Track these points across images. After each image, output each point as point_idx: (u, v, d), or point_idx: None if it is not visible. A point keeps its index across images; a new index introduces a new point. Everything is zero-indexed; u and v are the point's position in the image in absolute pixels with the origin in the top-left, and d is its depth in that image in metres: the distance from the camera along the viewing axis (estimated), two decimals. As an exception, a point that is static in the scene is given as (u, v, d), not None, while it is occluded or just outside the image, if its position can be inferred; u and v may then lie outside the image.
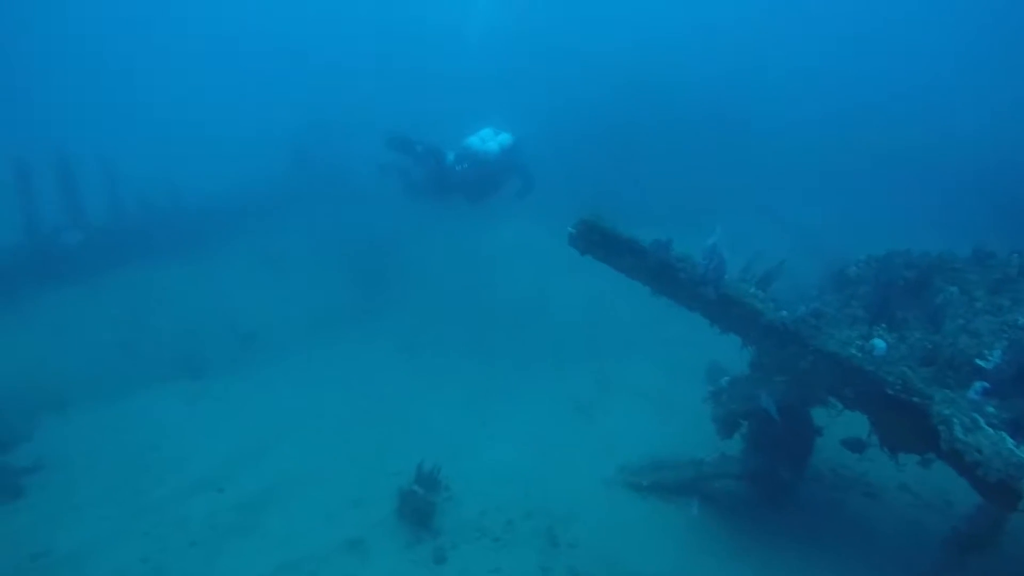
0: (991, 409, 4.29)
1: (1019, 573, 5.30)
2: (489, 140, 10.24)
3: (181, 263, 12.01)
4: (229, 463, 7.48)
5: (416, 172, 11.04)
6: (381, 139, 10.55)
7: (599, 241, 4.83)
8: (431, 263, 13.91)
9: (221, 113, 22.10)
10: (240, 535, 6.24)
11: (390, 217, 15.53)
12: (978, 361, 5.04)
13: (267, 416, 8.63)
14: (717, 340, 6.16)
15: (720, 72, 17.98)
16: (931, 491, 6.99)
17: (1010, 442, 3.85)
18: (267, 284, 12.55)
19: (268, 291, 12.34)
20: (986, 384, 4.72)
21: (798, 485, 6.66)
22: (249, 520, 6.48)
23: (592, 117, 16.57)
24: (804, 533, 6.31)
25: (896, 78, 21.17)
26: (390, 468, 7.35)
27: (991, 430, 3.89)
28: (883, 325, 4.98)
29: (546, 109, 15.58)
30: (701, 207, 14.78)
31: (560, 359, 10.39)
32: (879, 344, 4.61)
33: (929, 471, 4.97)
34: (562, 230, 5.32)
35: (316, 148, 16.84)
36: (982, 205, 13.48)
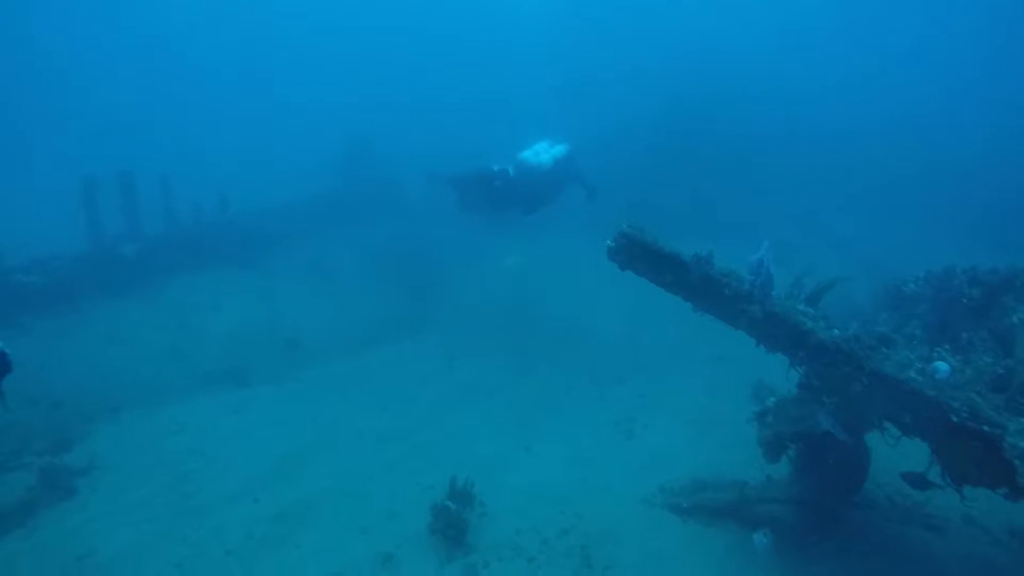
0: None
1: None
2: (543, 153, 10.26)
3: (231, 273, 12.31)
4: (269, 472, 7.50)
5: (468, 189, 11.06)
6: (423, 175, 10.94)
7: (640, 255, 4.62)
8: (475, 277, 13.91)
9: (274, 131, 22.84)
10: (275, 547, 6.21)
11: (436, 231, 15.70)
12: (1054, 387, 4.62)
13: (308, 426, 8.67)
14: (763, 359, 5.83)
15: (764, 86, 17.49)
16: (999, 525, 6.46)
17: (1094, 480, 3.45)
18: (313, 294, 12.75)
19: (313, 301, 12.53)
20: (1064, 412, 4.31)
21: (850, 513, 6.24)
22: (284, 531, 6.45)
23: (638, 130, 16.40)
24: (858, 566, 5.87)
25: (940, 89, 20.18)
26: (426, 481, 7.25)
27: (1074, 467, 3.50)
28: (946, 347, 4.60)
29: (595, 121, 15.46)
30: (745, 220, 14.40)
31: (601, 376, 10.14)
32: (942, 367, 4.25)
33: (996, 503, 4.56)
34: (605, 244, 5.12)
35: (365, 164, 17.11)
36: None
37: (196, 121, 25.25)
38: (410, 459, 8.00)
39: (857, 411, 5.13)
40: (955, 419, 4.05)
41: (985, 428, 3.98)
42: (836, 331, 4.38)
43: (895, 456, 6.12)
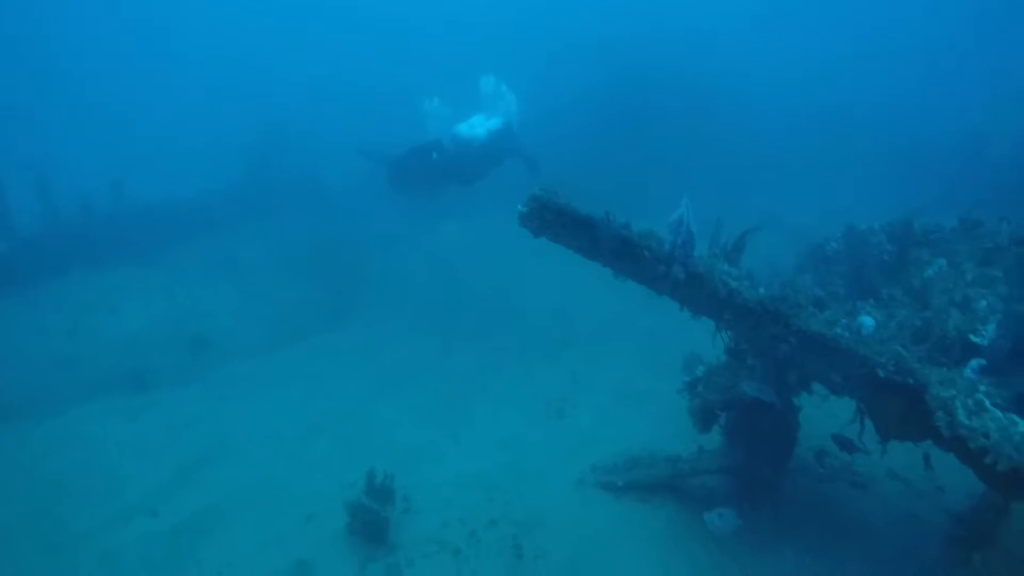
0: (984, 388, 3.77)
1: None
2: (477, 126, 10.11)
3: (128, 269, 11.18)
4: (169, 482, 6.76)
5: (399, 168, 10.98)
6: (354, 150, 10.81)
7: (553, 220, 4.22)
8: (398, 263, 13.29)
9: (176, 116, 21.12)
10: (173, 567, 5.52)
11: (357, 219, 14.94)
12: (972, 337, 4.53)
13: (216, 428, 7.92)
14: (696, 331, 5.58)
15: (704, 66, 17.39)
16: (921, 477, 6.50)
17: (1022, 425, 3.31)
18: (223, 289, 11.82)
19: (225, 298, 11.61)
20: (983, 361, 4.21)
21: (781, 480, 6.12)
22: (186, 547, 5.77)
23: (587, 106, 16.11)
24: (792, 531, 5.75)
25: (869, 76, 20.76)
26: (348, 479, 6.70)
27: (999, 412, 3.34)
28: (870, 301, 4.44)
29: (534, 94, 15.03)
30: (672, 192, 14.34)
31: (531, 354, 9.80)
32: (867, 322, 4.07)
33: (916, 457, 4.48)
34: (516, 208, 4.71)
35: (276, 149, 16.06)
36: (943, 178, 13.16)
37: (94, 101, 23.02)
38: (331, 456, 7.43)
39: (785, 373, 4.95)
40: (882, 374, 3.86)
41: (910, 381, 3.81)
42: (762, 290, 4.13)
43: (822, 416, 6.06)
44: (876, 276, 5.11)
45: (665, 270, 4.18)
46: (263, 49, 26.42)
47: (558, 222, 4.28)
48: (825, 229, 12.37)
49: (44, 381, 8.64)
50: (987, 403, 3.39)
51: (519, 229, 4.77)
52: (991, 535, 4.37)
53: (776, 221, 13.83)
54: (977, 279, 5.03)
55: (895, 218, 5.50)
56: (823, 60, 21.11)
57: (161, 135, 19.65)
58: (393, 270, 12.82)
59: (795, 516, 5.90)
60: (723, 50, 17.88)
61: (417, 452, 7.44)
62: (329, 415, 8.37)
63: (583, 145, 15.05)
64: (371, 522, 5.60)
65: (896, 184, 13.50)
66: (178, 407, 8.34)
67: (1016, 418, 3.34)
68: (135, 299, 10.52)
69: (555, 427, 7.89)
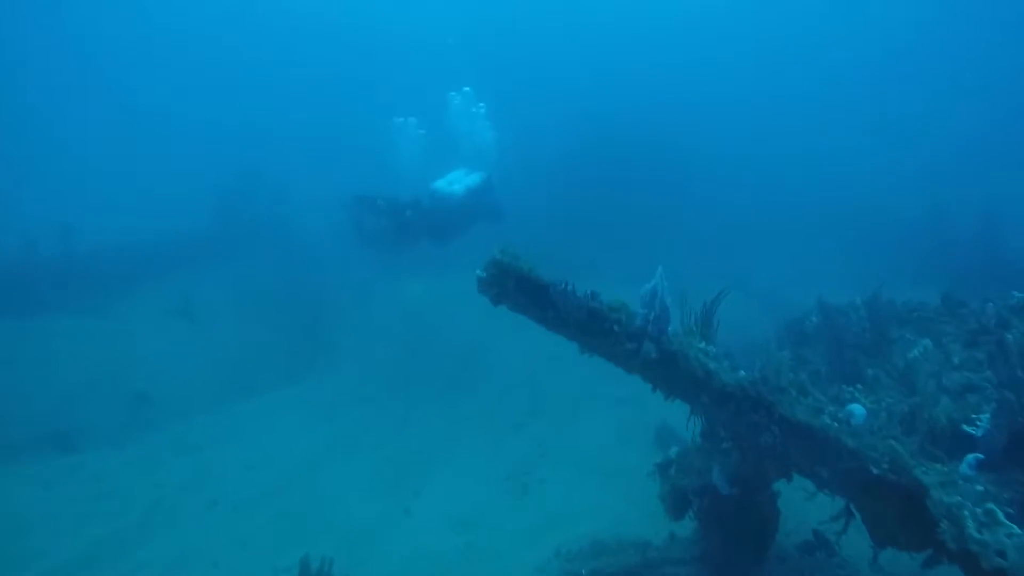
0: (980, 488, 3.35)
1: None
2: (456, 182, 9.78)
3: (68, 319, 10.39)
4: (78, 561, 5.92)
5: (371, 222, 10.55)
6: (342, 202, 10.29)
7: (514, 288, 3.79)
8: (363, 318, 12.69)
9: (143, 155, 20.52)
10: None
11: (325, 269, 14.40)
12: (966, 427, 4.15)
13: (144, 496, 7.12)
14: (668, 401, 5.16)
15: (679, 136, 17.52)
16: (908, 569, 6.01)
17: (1039, 542, 2.86)
18: (175, 341, 11.06)
19: (175, 349, 10.86)
20: (980, 456, 3.80)
21: (759, 570, 5.56)
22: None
23: (553, 171, 16.00)
24: (770, 632, 5.17)
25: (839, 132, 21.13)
26: (284, 560, 5.96)
27: (1015, 526, 2.90)
28: (857, 386, 4.04)
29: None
30: (645, 255, 14.15)
31: (497, 422, 9.19)
32: (857, 410, 3.65)
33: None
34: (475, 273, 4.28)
35: (247, 197, 15.58)
36: (917, 254, 13.16)
37: (56, 138, 22.14)
38: (269, 531, 6.68)
39: (765, 462, 4.47)
40: (875, 471, 3.42)
41: (905, 481, 3.36)
42: (742, 372, 3.70)
43: (804, 503, 5.58)
44: (857, 355, 4.74)
45: (635, 348, 3.74)
46: (237, 89, 26.18)
47: (519, 290, 3.84)
48: (795, 295, 12.36)
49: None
50: (999, 514, 2.95)
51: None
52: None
53: (746, 285, 13.68)
54: (964, 362, 4.71)
55: (872, 292, 5.18)
56: (795, 129, 21.49)
57: (125, 175, 19.01)
58: (358, 324, 12.22)
59: (775, 615, 5.32)
60: (702, 120, 18.09)
61: (364, 529, 6.75)
62: (272, 483, 7.64)
63: (557, 207, 14.89)
64: (301, 620, 4.87)
65: (866, 252, 13.52)
66: (105, 472, 7.52)
67: (1034, 533, 2.90)
68: (73, 351, 9.70)
69: (517, 503, 7.26)
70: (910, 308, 5.05)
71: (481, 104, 10.27)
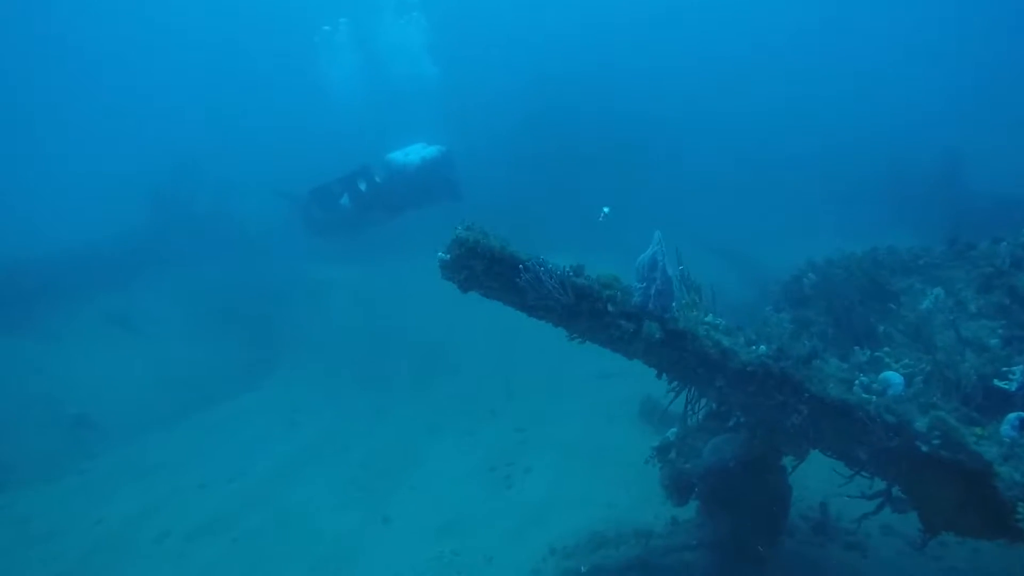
0: None
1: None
2: (412, 153, 9.42)
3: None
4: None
5: (315, 208, 10.45)
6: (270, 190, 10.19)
7: (484, 271, 3.09)
8: (321, 311, 11.81)
9: (68, 151, 18.64)
10: None
11: (275, 261, 13.38)
12: (998, 383, 3.67)
13: (85, 536, 6.23)
14: (650, 370, 4.60)
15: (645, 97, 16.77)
16: (917, 530, 5.66)
17: None
18: (115, 356, 10.00)
19: (115, 364, 9.81)
20: (1022, 414, 3.32)
21: (771, 550, 5.09)
22: None
23: (509, 142, 15.14)
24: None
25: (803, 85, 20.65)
26: (252, 592, 5.22)
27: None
28: (885, 349, 3.49)
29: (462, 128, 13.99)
30: (613, 227, 13.55)
31: (472, 409, 8.53)
32: (894, 379, 3.10)
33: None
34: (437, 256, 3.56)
35: (186, 191, 14.29)
36: (886, 204, 12.89)
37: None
38: (229, 560, 5.90)
39: (779, 440, 3.93)
40: (925, 448, 2.87)
41: (962, 458, 2.83)
42: (763, 347, 3.10)
43: (808, 470, 5.12)
44: (861, 311, 4.22)
45: (635, 328, 3.09)
46: (173, 80, 24.11)
47: (490, 273, 3.14)
48: (766, 254, 11.99)
49: None
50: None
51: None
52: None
53: (714, 245, 13.25)
54: (982, 309, 4.23)
55: (876, 245, 4.66)
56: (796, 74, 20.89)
57: (49, 173, 17.31)
58: (316, 320, 11.34)
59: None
60: (663, 83, 17.38)
61: (339, 545, 6.04)
62: (232, 502, 6.83)
63: (513, 179, 14.12)
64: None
65: (837, 208, 13.19)
66: (37, 512, 6.59)
67: None
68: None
69: (503, 499, 6.64)
70: (914, 255, 4.55)
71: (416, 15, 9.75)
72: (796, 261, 5.80)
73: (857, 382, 3.13)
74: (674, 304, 3.13)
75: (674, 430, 4.89)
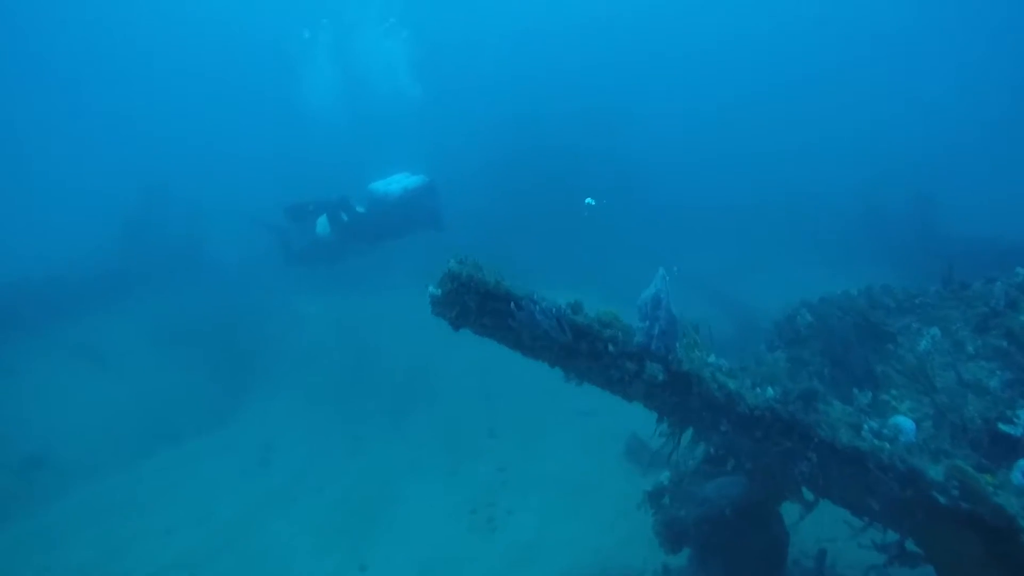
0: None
1: None
2: (394, 183, 9.31)
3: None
4: None
5: (295, 238, 10.39)
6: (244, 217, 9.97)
7: (478, 308, 2.89)
8: (296, 342, 11.41)
9: (32, 173, 18.01)
10: None
11: (249, 289, 12.99)
12: (1002, 427, 3.56)
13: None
14: (636, 408, 4.42)
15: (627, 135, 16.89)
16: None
17: None
18: (76, 389, 9.48)
19: (76, 398, 9.29)
20: (1031, 460, 3.19)
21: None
22: None
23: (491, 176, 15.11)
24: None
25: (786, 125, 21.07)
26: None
27: None
28: (892, 392, 3.36)
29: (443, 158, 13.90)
30: (594, 262, 13.53)
31: (452, 445, 8.21)
32: (905, 425, 2.94)
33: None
34: (427, 291, 3.36)
35: (156, 216, 13.89)
36: (860, 243, 13.07)
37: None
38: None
39: (780, 486, 3.74)
40: (943, 500, 2.71)
41: (984, 511, 2.66)
42: (770, 391, 2.93)
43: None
44: (859, 351, 4.10)
45: (637, 370, 2.91)
46: (143, 98, 23.63)
47: (484, 310, 2.94)
48: (745, 291, 12.00)
49: None
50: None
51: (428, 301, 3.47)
52: None
53: (693, 281, 13.24)
54: (979, 350, 4.15)
55: (871, 284, 4.59)
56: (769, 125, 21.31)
57: (9, 195, 16.70)
58: (290, 352, 10.94)
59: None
60: (640, 123, 17.59)
61: (312, 598, 5.63)
62: (198, 549, 6.39)
63: (492, 212, 14.04)
64: None
65: (812, 245, 13.30)
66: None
67: None
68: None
69: (486, 542, 6.32)
70: (910, 294, 4.47)
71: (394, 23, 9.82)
72: (777, 298, 5.72)
73: (866, 427, 2.97)
74: (677, 345, 2.96)
75: (667, 474, 4.68)
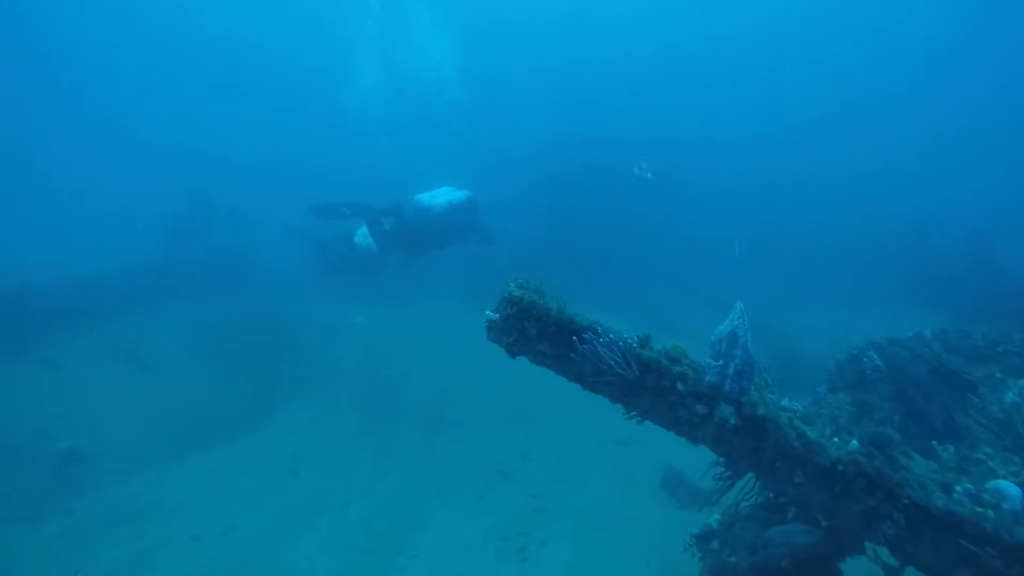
0: None
1: None
2: (439, 196, 9.22)
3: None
4: None
5: (333, 247, 10.37)
6: (308, 209, 9.69)
7: (538, 335, 2.70)
8: (331, 352, 11.36)
9: (85, 180, 18.56)
10: None
11: (288, 297, 13.05)
12: (1105, 495, 3.19)
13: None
14: (671, 438, 4.12)
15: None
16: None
17: None
18: (117, 388, 9.53)
19: (116, 397, 9.32)
20: None
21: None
22: None
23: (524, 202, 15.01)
24: None
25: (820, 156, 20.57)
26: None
27: None
28: (986, 450, 3.04)
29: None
30: (628, 286, 13.26)
31: (482, 469, 7.98)
32: (1009, 491, 2.62)
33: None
34: (484, 316, 3.17)
35: (202, 223, 14.11)
36: (907, 279, 12.50)
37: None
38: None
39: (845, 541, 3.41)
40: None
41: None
42: (854, 442, 2.65)
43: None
44: (941, 400, 3.77)
45: (707, 411, 2.66)
46: (194, 112, 24.31)
47: (545, 337, 2.73)
48: (780, 321, 11.56)
49: None
50: None
51: (467, 318, 3.30)
52: None
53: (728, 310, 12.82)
54: (1071, 407, 3.78)
55: (946, 325, 4.25)
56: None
57: (66, 200, 17.19)
58: (325, 362, 10.89)
59: None
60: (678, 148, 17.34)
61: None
62: (225, 559, 6.24)
63: (529, 234, 13.89)
64: None
65: (853, 276, 12.81)
66: (11, 559, 6.01)
67: None
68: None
69: (517, 572, 6.03)
70: (992, 341, 4.12)
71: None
72: (819, 332, 5.38)
73: (959, 488, 2.66)
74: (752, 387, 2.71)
75: (716, 516, 4.37)
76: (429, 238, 9.30)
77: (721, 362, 2.63)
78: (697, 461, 4.16)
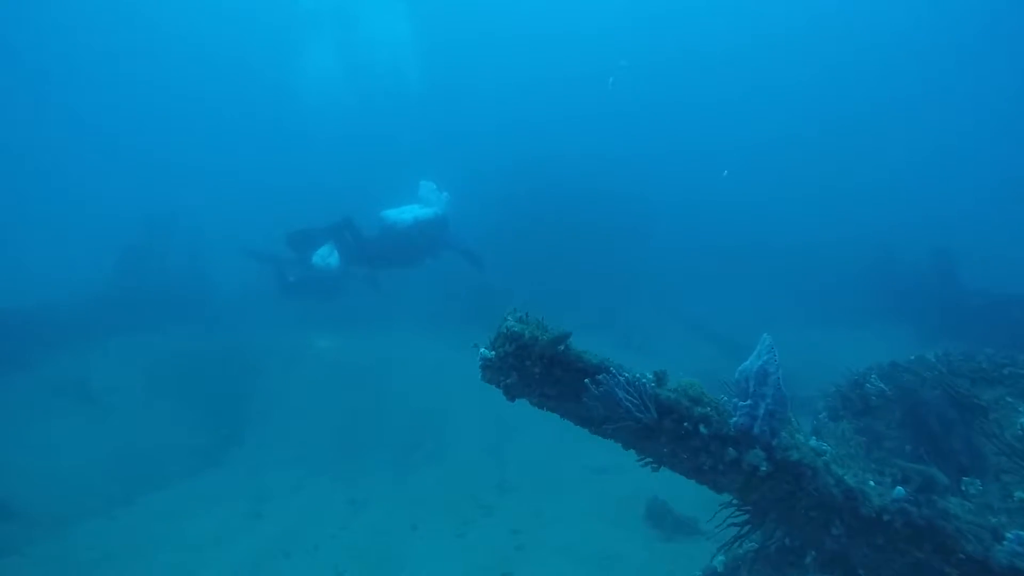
0: None
1: None
2: (406, 212, 8.97)
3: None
4: None
5: (291, 270, 9.96)
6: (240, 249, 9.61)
7: (542, 376, 2.31)
8: (296, 385, 10.70)
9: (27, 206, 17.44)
10: None
11: (248, 325, 12.35)
12: None
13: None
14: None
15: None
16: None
17: None
18: (62, 428, 8.69)
19: (61, 438, 8.49)
20: None
21: None
22: None
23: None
24: None
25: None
26: None
27: None
28: (1002, 479, 2.76)
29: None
30: (603, 305, 13.01)
31: (458, 503, 7.46)
32: (1065, 539, 2.32)
33: None
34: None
35: (157, 248, 13.28)
36: (872, 296, 12.59)
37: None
38: None
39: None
40: None
41: None
42: (900, 489, 2.33)
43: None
44: (963, 430, 3.51)
45: (736, 456, 2.30)
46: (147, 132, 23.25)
47: (550, 379, 2.34)
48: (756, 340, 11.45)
49: None
50: None
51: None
52: None
53: (705, 329, 12.72)
54: (1085, 431, 3.57)
55: (951, 348, 4.03)
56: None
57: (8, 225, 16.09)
58: (289, 393, 10.23)
59: None
60: (650, 167, 17.33)
61: None
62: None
63: (509, 254, 13.54)
64: None
65: (829, 296, 12.80)
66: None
67: None
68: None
69: (501, 618, 5.54)
70: (997, 363, 3.91)
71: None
72: (799, 352, 5.14)
73: (1011, 536, 2.37)
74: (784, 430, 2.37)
75: (720, 559, 4.01)
76: (392, 253, 9.04)
77: (750, 402, 2.29)
78: (681, 489, 3.82)
